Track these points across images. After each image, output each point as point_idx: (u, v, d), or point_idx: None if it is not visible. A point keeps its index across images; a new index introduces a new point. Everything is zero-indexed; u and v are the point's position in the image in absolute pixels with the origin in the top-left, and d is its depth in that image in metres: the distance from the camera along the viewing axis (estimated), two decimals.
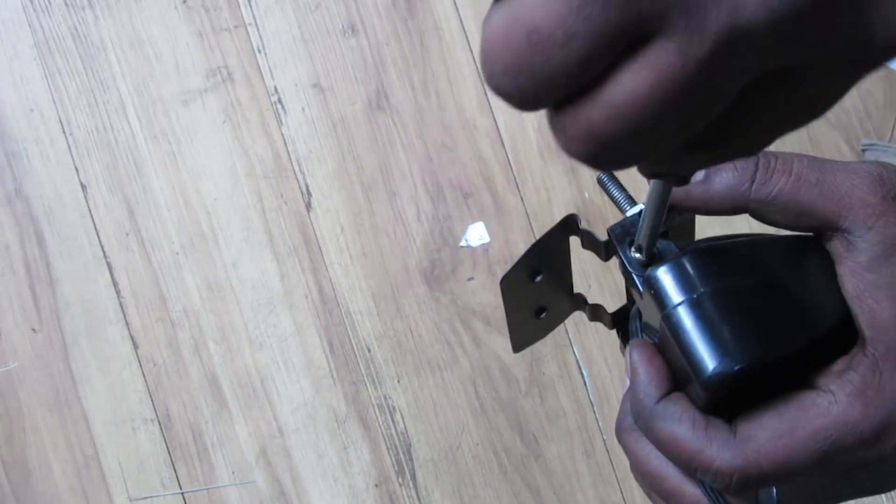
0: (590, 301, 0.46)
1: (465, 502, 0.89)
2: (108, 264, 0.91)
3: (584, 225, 0.41)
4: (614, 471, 0.89)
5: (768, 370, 0.36)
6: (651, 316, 0.38)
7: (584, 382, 0.90)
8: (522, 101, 0.21)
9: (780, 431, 0.34)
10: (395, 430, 0.89)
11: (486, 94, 0.92)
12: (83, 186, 0.92)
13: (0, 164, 0.92)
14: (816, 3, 0.20)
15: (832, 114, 0.90)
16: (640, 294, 0.38)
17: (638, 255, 0.38)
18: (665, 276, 0.36)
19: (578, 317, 0.91)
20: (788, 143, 0.90)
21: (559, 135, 0.22)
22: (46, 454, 0.90)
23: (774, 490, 0.36)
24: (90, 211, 0.92)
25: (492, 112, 0.92)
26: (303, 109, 0.92)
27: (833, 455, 0.34)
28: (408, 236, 0.91)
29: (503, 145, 0.91)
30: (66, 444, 0.90)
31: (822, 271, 0.37)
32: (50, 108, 0.92)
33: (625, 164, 0.23)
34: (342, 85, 0.92)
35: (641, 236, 0.38)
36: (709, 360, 0.34)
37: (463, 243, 0.90)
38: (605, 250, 0.41)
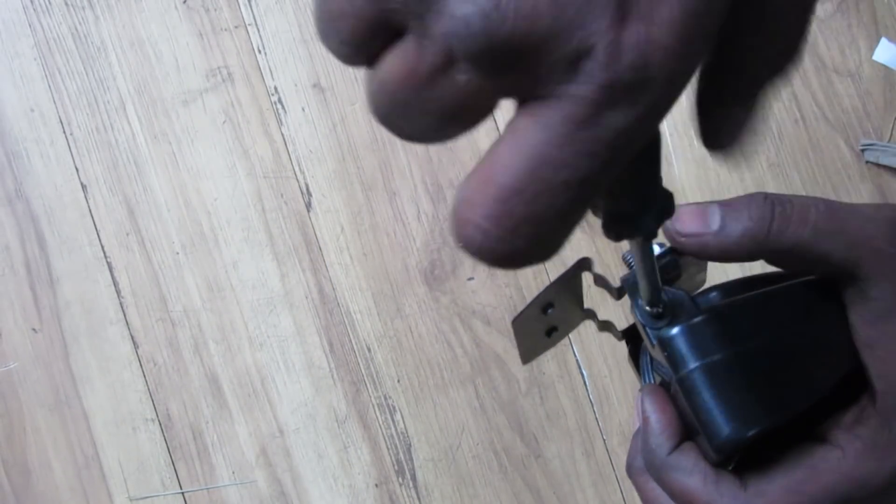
0: (600, 318, 0.46)
1: (465, 502, 0.89)
2: (109, 264, 0.91)
3: (597, 270, 0.42)
4: (614, 471, 0.89)
5: (779, 429, 0.36)
6: (662, 368, 0.38)
7: (584, 382, 0.90)
8: (337, 56, 0.24)
9: (789, 488, 0.35)
10: (395, 430, 0.89)
11: None
12: (83, 186, 0.92)
13: (0, 164, 0.92)
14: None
15: (832, 114, 0.90)
16: (653, 345, 0.38)
17: (648, 308, 0.39)
18: (679, 340, 0.36)
19: None
20: (788, 143, 0.90)
21: (372, 97, 0.25)
22: (46, 454, 0.90)
23: None
24: (90, 211, 0.92)
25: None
26: (303, 109, 0.92)
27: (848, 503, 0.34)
28: (408, 236, 0.91)
29: None
30: (67, 443, 0.90)
31: (837, 319, 0.37)
32: (50, 107, 0.92)
33: (408, 135, 0.25)
34: (342, 85, 0.92)
35: (642, 292, 0.38)
36: (722, 425, 0.35)
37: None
38: (616, 293, 0.41)
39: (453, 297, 0.90)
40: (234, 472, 0.90)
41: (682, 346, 0.36)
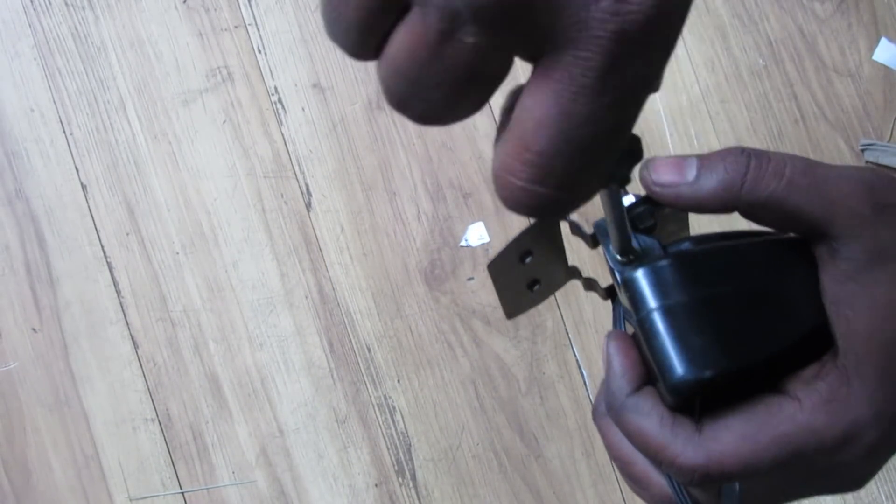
0: (584, 275, 0.46)
1: (465, 502, 0.89)
2: (109, 264, 0.91)
3: (572, 216, 0.42)
4: (614, 471, 0.89)
5: (738, 377, 0.36)
6: (629, 313, 0.38)
7: (584, 382, 0.90)
8: (345, 48, 0.25)
9: (744, 434, 0.35)
10: (395, 429, 0.89)
11: None
12: (83, 186, 0.92)
13: (0, 164, 0.92)
14: None
15: (832, 114, 0.90)
16: (619, 286, 0.38)
17: (619, 257, 0.39)
18: (642, 280, 0.36)
19: (578, 317, 0.91)
20: (788, 143, 0.90)
21: (386, 83, 0.26)
22: (46, 454, 0.90)
23: (737, 485, 0.37)
24: (90, 211, 0.92)
25: (492, 112, 0.92)
26: (303, 109, 0.92)
27: (795, 460, 0.35)
28: (408, 236, 0.91)
29: None
30: (67, 443, 0.90)
31: (807, 276, 0.37)
32: (50, 107, 0.93)
33: (424, 114, 0.26)
34: (342, 85, 0.92)
35: (611, 238, 0.38)
36: (676, 367, 0.35)
37: (463, 243, 0.90)
38: (591, 240, 0.41)
39: (453, 297, 0.90)
40: (234, 472, 0.90)
41: (645, 286, 0.36)
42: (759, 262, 0.38)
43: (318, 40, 0.93)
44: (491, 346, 0.90)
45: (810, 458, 0.35)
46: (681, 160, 0.36)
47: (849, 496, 0.88)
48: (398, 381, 0.90)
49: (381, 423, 0.90)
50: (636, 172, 0.34)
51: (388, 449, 0.89)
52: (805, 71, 0.91)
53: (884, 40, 0.90)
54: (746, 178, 0.35)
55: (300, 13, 0.93)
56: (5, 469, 0.90)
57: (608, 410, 0.39)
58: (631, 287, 0.36)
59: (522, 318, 0.90)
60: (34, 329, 0.91)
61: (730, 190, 0.36)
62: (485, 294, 0.90)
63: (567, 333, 0.90)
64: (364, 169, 0.92)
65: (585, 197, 0.27)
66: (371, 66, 0.91)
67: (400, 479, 0.89)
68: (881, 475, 0.88)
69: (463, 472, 0.89)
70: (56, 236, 0.91)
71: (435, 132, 0.92)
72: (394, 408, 0.90)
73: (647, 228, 0.39)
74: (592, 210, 0.90)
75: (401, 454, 0.89)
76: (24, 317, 0.91)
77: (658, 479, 0.39)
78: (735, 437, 0.35)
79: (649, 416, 0.37)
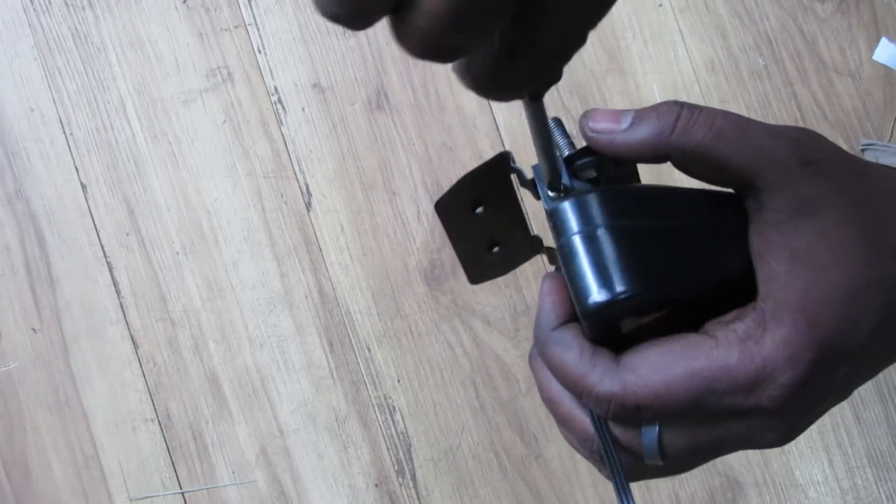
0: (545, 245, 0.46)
1: (465, 502, 0.89)
2: (109, 264, 0.91)
3: (516, 164, 0.42)
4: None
5: (657, 310, 0.36)
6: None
7: None
8: (352, 18, 0.25)
9: (659, 365, 0.36)
10: (395, 430, 0.90)
11: None
12: (83, 186, 0.92)
13: (0, 164, 0.92)
14: None
15: (832, 114, 0.90)
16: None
17: (552, 193, 0.39)
18: (567, 209, 0.37)
19: None
20: None
21: (398, 39, 0.27)
22: (46, 454, 0.90)
23: (657, 429, 0.37)
24: (90, 211, 0.92)
25: (492, 112, 0.92)
26: (303, 109, 0.92)
27: (708, 397, 0.35)
28: (408, 236, 0.91)
29: (503, 145, 0.91)
30: (66, 443, 0.90)
31: (737, 226, 0.37)
32: (50, 107, 0.93)
33: (451, 55, 0.27)
34: (342, 85, 0.92)
35: (542, 168, 0.39)
36: (591, 289, 0.35)
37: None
38: (534, 188, 0.41)
39: (453, 297, 0.90)
40: (234, 472, 0.90)
41: (569, 215, 0.36)
42: (691, 206, 0.38)
43: (318, 40, 0.93)
44: (491, 346, 0.90)
45: (724, 397, 0.35)
46: (618, 111, 0.38)
47: (849, 495, 0.88)
48: (398, 381, 0.90)
49: (381, 423, 0.90)
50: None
51: (388, 449, 0.89)
52: (805, 71, 0.91)
53: (884, 40, 0.90)
54: (677, 126, 0.37)
55: (300, 13, 0.93)
56: (5, 469, 0.90)
57: (535, 346, 0.39)
58: (555, 216, 0.37)
59: (522, 319, 0.90)
60: (34, 329, 0.91)
61: (660, 136, 0.37)
62: (485, 294, 0.90)
63: None
64: (364, 169, 0.92)
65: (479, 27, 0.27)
66: (370, 67, 0.91)
67: (400, 479, 0.89)
68: (882, 475, 0.88)
69: (463, 472, 0.89)
70: (56, 236, 0.91)
71: (435, 132, 0.92)
72: (394, 408, 0.90)
73: (587, 179, 0.40)
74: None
75: (401, 454, 0.89)
76: (24, 317, 0.91)
77: (581, 418, 0.39)
78: (650, 368, 0.36)
79: (570, 348, 0.37)
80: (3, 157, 0.92)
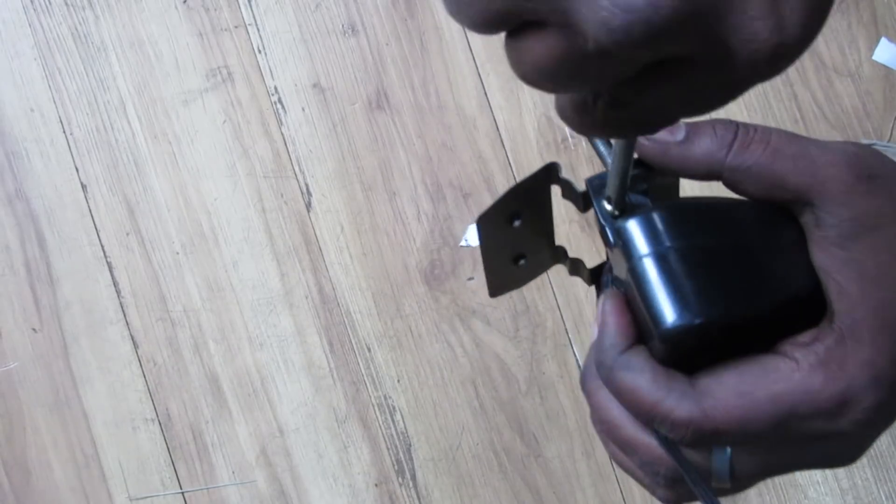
0: (570, 255, 0.46)
1: (465, 502, 0.89)
2: (109, 264, 0.91)
3: (564, 175, 0.42)
4: (614, 471, 0.89)
5: (731, 331, 0.36)
6: (620, 269, 0.38)
7: None
8: (472, 27, 0.26)
9: (739, 390, 0.35)
10: (395, 429, 0.89)
11: (485, 93, 0.92)
12: (83, 186, 0.92)
13: (0, 164, 0.92)
14: (674, 18, 0.24)
15: (832, 114, 0.90)
16: (612, 247, 0.38)
17: (610, 207, 0.39)
18: (634, 228, 0.36)
19: (578, 317, 0.91)
20: None
21: (508, 59, 0.27)
22: (46, 454, 0.90)
23: (728, 451, 0.36)
24: (90, 211, 0.92)
25: (492, 112, 0.92)
26: (303, 109, 0.92)
27: (790, 422, 0.34)
28: (408, 236, 0.91)
29: (503, 145, 0.91)
30: (67, 443, 0.90)
31: (796, 241, 0.37)
32: (50, 107, 0.93)
33: (550, 91, 0.28)
34: (342, 85, 0.92)
35: (610, 186, 0.38)
36: (669, 312, 0.35)
37: (463, 243, 0.90)
38: (582, 201, 0.41)
39: (453, 297, 0.90)
40: (234, 472, 0.90)
41: (637, 234, 0.36)
42: (751, 220, 0.38)
43: (318, 40, 0.93)
44: (491, 346, 0.90)
45: (806, 421, 0.34)
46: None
47: (848, 495, 0.88)
48: (398, 381, 0.90)
49: (381, 423, 0.90)
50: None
51: (388, 449, 0.89)
52: (805, 71, 0.91)
53: (884, 40, 0.90)
54: (734, 144, 0.36)
55: (300, 13, 0.93)
56: (5, 469, 0.90)
57: (598, 369, 0.38)
58: (624, 235, 0.36)
59: (522, 319, 0.90)
60: (34, 329, 0.91)
61: (717, 154, 0.36)
62: (485, 294, 0.90)
63: (567, 333, 0.90)
64: (364, 169, 0.92)
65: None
66: (370, 67, 0.91)
67: (400, 479, 0.89)
68: (881, 475, 0.88)
69: (463, 472, 0.89)
70: (56, 236, 0.91)
71: (435, 132, 0.92)
72: (394, 408, 0.90)
73: (638, 191, 0.40)
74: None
75: (401, 454, 0.89)
76: (24, 317, 0.91)
77: (646, 441, 0.38)
78: (730, 392, 0.35)
79: (642, 372, 0.36)
80: (3, 157, 0.92)
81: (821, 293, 0.36)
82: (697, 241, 0.36)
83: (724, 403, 0.34)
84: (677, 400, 0.35)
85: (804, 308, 0.36)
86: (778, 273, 0.37)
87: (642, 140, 0.38)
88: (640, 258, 0.36)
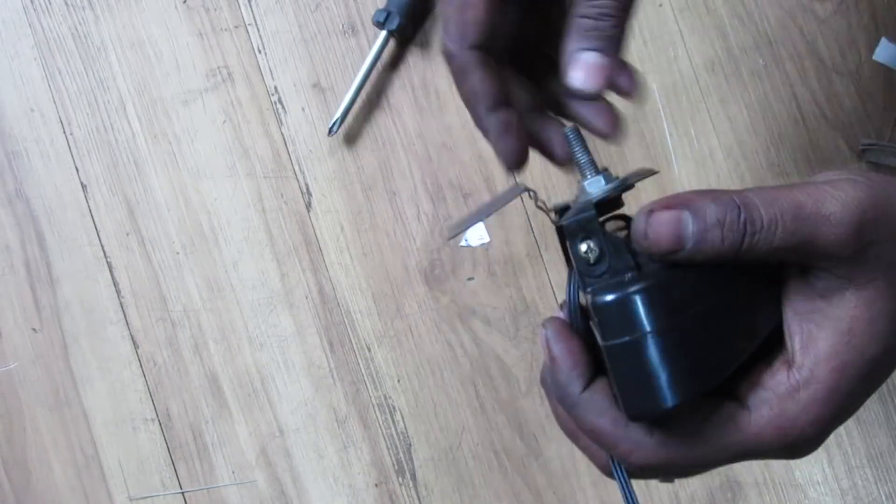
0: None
1: (465, 502, 0.89)
2: (109, 264, 0.91)
3: (540, 203, 0.43)
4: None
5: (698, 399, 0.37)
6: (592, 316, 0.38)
7: None
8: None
9: (694, 443, 0.36)
10: (395, 429, 0.89)
11: None
12: (83, 186, 0.92)
13: (0, 164, 0.92)
14: None
15: (832, 114, 0.90)
16: (586, 295, 0.38)
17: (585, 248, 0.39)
18: (613, 309, 0.36)
19: None
20: (788, 143, 0.91)
21: None
22: (46, 454, 0.90)
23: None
24: (90, 211, 0.92)
25: None
26: (303, 109, 0.92)
27: (741, 460, 0.37)
28: (408, 236, 0.91)
29: None
30: (67, 443, 0.90)
31: (772, 290, 0.37)
32: (50, 107, 0.92)
33: None
34: (342, 85, 0.92)
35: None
36: (639, 400, 0.36)
37: (463, 243, 0.90)
38: (555, 214, 0.42)
39: (453, 297, 0.90)
40: (234, 472, 0.90)
41: (614, 316, 0.36)
42: (725, 275, 0.37)
43: (318, 40, 0.93)
44: (491, 346, 0.90)
45: (760, 458, 0.37)
46: (676, 223, 0.35)
47: (848, 495, 0.88)
48: (398, 381, 0.90)
49: (381, 423, 0.90)
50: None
51: (388, 449, 0.89)
52: (805, 71, 0.91)
53: (884, 40, 0.90)
54: (742, 246, 0.35)
55: (300, 13, 0.93)
56: (5, 469, 0.90)
57: (560, 403, 0.39)
58: (601, 314, 0.36)
59: (522, 319, 0.90)
60: (34, 329, 0.91)
61: (726, 257, 0.36)
62: (485, 294, 0.90)
63: None
64: (364, 169, 0.92)
65: None
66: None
67: (400, 479, 0.89)
68: (881, 475, 0.88)
69: (463, 472, 0.89)
70: (56, 236, 0.91)
71: (435, 132, 0.92)
72: (394, 408, 0.90)
73: (617, 235, 0.40)
74: None
75: (401, 454, 0.89)
76: (24, 317, 0.91)
77: (601, 454, 0.40)
78: (684, 446, 0.36)
79: (603, 416, 0.38)
80: (3, 157, 0.92)
81: (780, 329, 0.37)
82: (675, 320, 0.35)
83: (680, 454, 0.36)
84: (636, 446, 0.37)
85: (764, 344, 0.37)
86: (749, 325, 0.37)
87: (644, 242, 0.36)
88: (615, 342, 0.36)
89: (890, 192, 0.36)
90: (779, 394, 0.36)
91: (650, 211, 0.36)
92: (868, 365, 0.35)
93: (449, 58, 0.41)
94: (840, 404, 0.35)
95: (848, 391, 0.35)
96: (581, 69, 0.40)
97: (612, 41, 0.39)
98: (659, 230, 0.35)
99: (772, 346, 0.37)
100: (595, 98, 0.42)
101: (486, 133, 0.42)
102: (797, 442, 0.36)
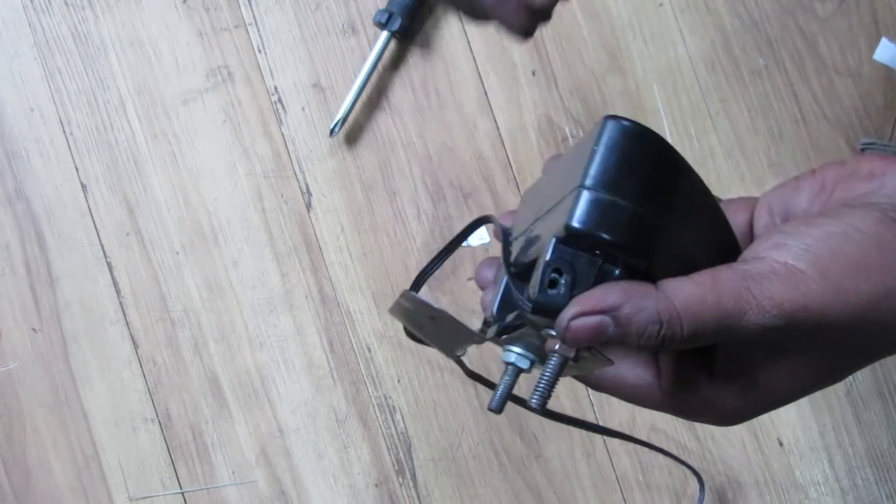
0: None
1: (465, 502, 0.89)
2: (109, 264, 0.91)
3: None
4: (614, 471, 0.89)
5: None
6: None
7: None
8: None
9: (703, 278, 0.36)
10: (395, 429, 0.89)
11: (485, 93, 0.92)
12: (83, 186, 0.92)
13: (0, 164, 0.92)
14: None
15: (832, 114, 0.90)
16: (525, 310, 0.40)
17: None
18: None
19: None
20: (788, 143, 0.90)
21: None
22: (46, 454, 0.90)
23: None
24: (90, 210, 0.92)
25: (492, 112, 0.92)
26: (303, 109, 0.92)
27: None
28: (408, 236, 0.91)
29: (503, 145, 0.91)
30: (67, 443, 0.90)
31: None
32: (50, 107, 0.92)
33: None
34: (342, 85, 0.92)
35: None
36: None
37: (463, 243, 0.90)
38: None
39: (453, 297, 0.90)
40: (234, 472, 0.90)
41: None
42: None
43: (318, 40, 0.93)
44: (491, 346, 0.89)
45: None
46: (597, 324, 0.36)
47: (849, 495, 0.88)
48: (398, 381, 0.90)
49: (381, 423, 0.90)
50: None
51: (388, 449, 0.89)
52: (805, 71, 0.91)
53: (884, 40, 0.90)
54: (662, 348, 0.37)
55: (300, 13, 0.93)
56: (5, 469, 0.90)
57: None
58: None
59: None
60: (34, 329, 0.91)
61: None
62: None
63: None
64: (364, 169, 0.92)
65: None
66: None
67: (400, 479, 0.89)
68: (882, 475, 0.88)
69: (463, 472, 0.89)
70: (56, 236, 0.91)
71: (435, 132, 0.92)
72: (394, 408, 0.90)
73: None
74: None
75: (401, 454, 0.89)
76: (24, 317, 0.91)
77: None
78: (696, 282, 0.37)
79: (614, 283, 0.38)
80: (3, 157, 0.92)
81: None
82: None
83: (689, 289, 0.36)
84: (649, 298, 0.36)
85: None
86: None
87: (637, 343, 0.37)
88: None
89: None
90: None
91: (573, 316, 0.36)
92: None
93: None
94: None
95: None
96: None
97: None
98: (578, 334, 0.36)
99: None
100: None
101: None
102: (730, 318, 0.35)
